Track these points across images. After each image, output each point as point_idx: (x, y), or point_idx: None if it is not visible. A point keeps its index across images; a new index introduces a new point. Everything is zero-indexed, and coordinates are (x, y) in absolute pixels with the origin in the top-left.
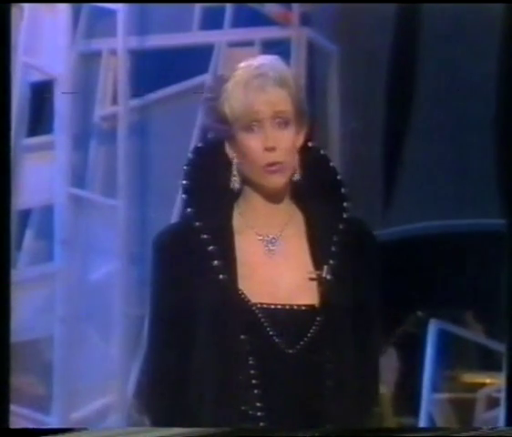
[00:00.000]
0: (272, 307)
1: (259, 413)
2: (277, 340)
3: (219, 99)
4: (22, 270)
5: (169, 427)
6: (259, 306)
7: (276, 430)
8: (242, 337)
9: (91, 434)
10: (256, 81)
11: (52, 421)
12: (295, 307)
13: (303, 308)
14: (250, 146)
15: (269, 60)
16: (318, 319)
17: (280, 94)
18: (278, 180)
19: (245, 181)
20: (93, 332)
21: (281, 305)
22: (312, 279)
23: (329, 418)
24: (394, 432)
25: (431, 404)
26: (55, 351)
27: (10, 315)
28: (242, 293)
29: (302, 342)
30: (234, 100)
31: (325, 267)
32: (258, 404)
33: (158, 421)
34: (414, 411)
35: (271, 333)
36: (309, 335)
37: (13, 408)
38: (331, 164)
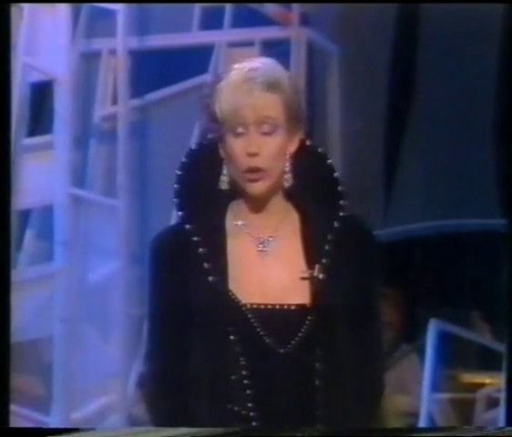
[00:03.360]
0: (263, 307)
1: (251, 413)
2: (268, 340)
3: (212, 98)
4: (22, 270)
5: (169, 427)
6: (249, 306)
7: (275, 430)
8: (233, 338)
9: (98, 434)
10: (245, 85)
11: (52, 421)
12: (286, 307)
13: (294, 307)
14: (235, 149)
15: (263, 63)
16: (309, 318)
17: (268, 99)
18: (258, 188)
19: (234, 183)
20: (93, 332)
21: (272, 305)
22: (303, 279)
23: (320, 417)
24: (394, 432)
25: (431, 404)
26: (55, 351)
27: (10, 315)
28: (233, 294)
29: (293, 342)
30: (223, 101)
31: (317, 266)
32: (250, 404)
33: (157, 421)
34: (415, 412)
35: (261, 333)
36: (300, 335)
37: (13, 408)
38: (328, 161)
